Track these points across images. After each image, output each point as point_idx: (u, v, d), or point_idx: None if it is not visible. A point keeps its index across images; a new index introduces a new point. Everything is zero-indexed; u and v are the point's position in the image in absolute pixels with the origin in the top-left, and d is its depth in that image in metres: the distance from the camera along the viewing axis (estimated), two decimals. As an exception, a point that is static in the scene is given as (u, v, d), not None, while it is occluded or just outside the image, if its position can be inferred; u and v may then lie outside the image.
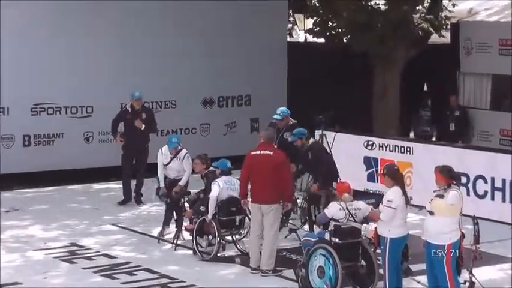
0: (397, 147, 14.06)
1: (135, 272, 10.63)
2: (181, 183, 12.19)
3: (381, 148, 14.27)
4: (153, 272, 10.62)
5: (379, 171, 13.46)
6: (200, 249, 11.17)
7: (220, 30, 17.39)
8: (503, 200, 12.84)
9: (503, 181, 12.82)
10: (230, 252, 11.34)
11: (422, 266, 9.30)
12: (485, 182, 13.03)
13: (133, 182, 14.44)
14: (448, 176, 8.88)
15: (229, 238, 11.38)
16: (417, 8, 17.80)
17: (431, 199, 8.88)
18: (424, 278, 9.45)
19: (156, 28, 16.70)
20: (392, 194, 9.15)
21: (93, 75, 16.23)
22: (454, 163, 9.65)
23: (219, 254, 11.07)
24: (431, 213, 8.85)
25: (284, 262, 10.83)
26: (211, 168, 11.56)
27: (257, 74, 17.82)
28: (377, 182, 14.04)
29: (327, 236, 9.74)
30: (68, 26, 15.92)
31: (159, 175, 12.32)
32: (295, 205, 11.88)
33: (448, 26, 18.15)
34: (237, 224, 11.24)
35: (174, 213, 12.05)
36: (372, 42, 17.29)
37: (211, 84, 17.47)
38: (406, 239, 9.34)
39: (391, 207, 9.07)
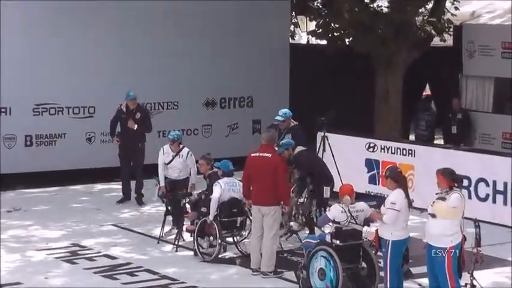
0: (398, 150, 14.05)
1: (136, 273, 10.63)
2: (193, 181, 12.22)
3: (382, 150, 14.25)
4: (154, 273, 10.62)
5: (381, 174, 13.48)
6: (201, 250, 11.17)
7: (223, 32, 17.38)
8: (505, 203, 12.83)
9: (505, 184, 12.81)
10: (231, 253, 11.34)
11: (423, 269, 9.30)
12: (487, 185, 13.02)
13: (133, 183, 14.45)
14: (450, 179, 8.88)
15: (230, 239, 11.36)
16: (420, 10, 17.79)
17: (433, 201, 8.88)
18: (425, 281, 9.45)
19: (157, 29, 16.70)
20: (395, 197, 9.15)
21: (95, 75, 16.23)
22: (455, 166, 9.64)
23: (220, 256, 11.08)
24: (433, 215, 8.85)
25: (285, 264, 10.82)
26: (214, 169, 11.55)
27: (259, 76, 17.81)
28: (378, 184, 14.04)
29: (328, 238, 9.73)
30: (70, 26, 15.93)
31: (159, 175, 12.31)
32: (295, 209, 11.85)
33: (451, 29, 18.14)
34: (238, 225, 11.24)
35: (171, 214, 12.05)
36: (374, 44, 17.28)
37: (213, 86, 17.46)
38: (407, 242, 9.34)
39: (395, 209, 9.06)
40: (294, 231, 11.86)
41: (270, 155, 10.45)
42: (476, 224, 9.29)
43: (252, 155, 10.62)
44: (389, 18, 17.23)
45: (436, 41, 18.23)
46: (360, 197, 10.84)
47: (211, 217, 11.00)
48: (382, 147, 14.25)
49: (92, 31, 16.11)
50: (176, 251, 11.55)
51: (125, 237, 12.32)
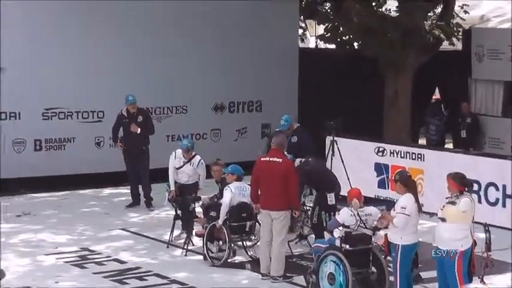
0: (408, 154, 14.02)
1: (145, 277, 10.63)
2: (200, 186, 12.28)
3: (392, 154, 14.22)
4: (164, 278, 10.62)
5: (390, 178, 13.46)
6: (210, 254, 11.17)
7: (232, 36, 17.38)
8: (515, 208, 12.81)
9: (515, 188, 12.80)
10: (240, 258, 11.32)
11: (433, 273, 9.27)
12: (497, 189, 12.98)
13: (141, 187, 14.50)
14: (460, 183, 8.86)
15: (239, 244, 11.35)
16: (429, 14, 17.78)
17: (443, 206, 8.86)
18: (434, 285, 9.42)
19: (167, 32, 16.70)
20: (405, 201, 9.13)
21: (104, 80, 16.24)
22: (465, 170, 9.63)
23: (229, 260, 11.06)
24: (443, 220, 8.83)
25: (295, 268, 10.80)
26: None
27: (268, 80, 17.81)
28: (388, 188, 14.00)
29: (337, 243, 9.72)
30: (79, 30, 15.95)
31: (169, 179, 12.31)
32: (304, 214, 11.84)
33: (460, 33, 18.12)
34: (247, 229, 11.22)
35: (180, 218, 12.06)
36: (382, 48, 17.28)
37: (222, 90, 17.47)
38: (417, 246, 9.33)
39: (405, 214, 9.04)
40: (304, 235, 11.84)
41: (281, 160, 10.43)
42: (486, 228, 9.28)
43: (261, 159, 10.61)
44: (397, 22, 17.22)
45: (446, 45, 18.22)
46: (369, 201, 10.82)
47: (220, 221, 11.00)
48: (392, 151, 14.22)
49: (101, 36, 16.13)
50: (185, 255, 11.55)
51: (134, 242, 12.32)
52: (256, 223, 11.23)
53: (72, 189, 15.59)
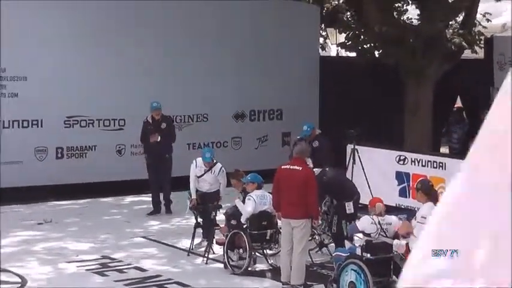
0: (429, 163, 13.89)
1: (166, 285, 10.62)
2: (221, 194, 12.26)
3: (413, 163, 14.12)
4: (184, 286, 10.60)
5: (411, 186, 13.39)
6: (231, 263, 11.15)
7: (253, 44, 17.44)
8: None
9: (537, 198, 12.65)
10: (261, 266, 11.31)
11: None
12: (519, 198, 12.85)
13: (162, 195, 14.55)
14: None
15: (260, 252, 11.34)
16: (450, 22, 17.72)
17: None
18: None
19: (188, 42, 16.77)
20: (426, 210, 9.08)
21: (125, 88, 16.34)
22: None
23: (249, 268, 11.04)
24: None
25: (315, 277, 10.77)
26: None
27: (289, 88, 17.84)
28: (409, 197, 13.91)
29: (358, 251, 9.70)
30: (101, 40, 16.05)
31: (191, 187, 12.32)
32: (324, 222, 11.83)
33: (482, 41, 18.04)
34: (267, 238, 11.20)
35: (201, 226, 12.08)
36: (403, 56, 17.23)
37: (243, 98, 17.51)
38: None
39: (425, 223, 9.00)
40: (324, 244, 11.83)
41: (301, 168, 10.41)
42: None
43: (282, 167, 10.60)
44: (418, 31, 17.17)
45: (468, 53, 18.15)
46: (390, 210, 10.80)
47: (243, 219, 11.00)
48: (413, 159, 14.13)
49: (123, 45, 16.23)
50: (206, 263, 11.54)
51: (155, 250, 12.32)
52: (278, 232, 11.20)
53: (94, 197, 15.64)
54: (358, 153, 14.11)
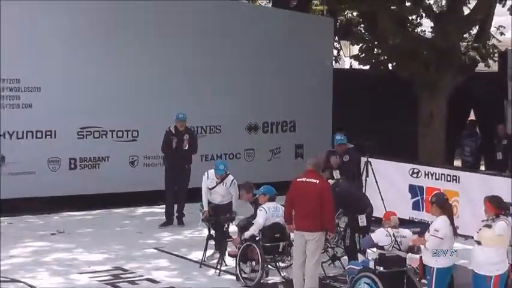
0: (443, 176, 13.84)
1: (178, 297, 10.65)
2: (233, 208, 12.17)
3: (426, 176, 14.06)
4: (196, 298, 10.63)
5: (425, 199, 13.34)
6: (243, 275, 11.11)
7: (265, 56, 17.42)
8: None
9: (553, 212, 12.59)
10: (274, 278, 11.25)
11: (469, 297, 9.18)
12: (534, 212, 12.80)
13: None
14: (498, 206, 8.78)
15: (272, 264, 11.27)
16: (464, 36, 17.69)
17: (479, 229, 8.78)
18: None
19: (202, 54, 16.77)
20: (440, 224, 9.05)
21: (139, 99, 16.34)
22: (501, 193, 9.52)
23: (262, 281, 10.99)
24: (478, 243, 8.75)
25: (328, 290, 10.76)
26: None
27: (302, 100, 17.81)
28: (422, 210, 13.86)
29: (371, 265, 9.65)
30: (115, 50, 16.08)
31: (203, 199, 12.29)
32: (338, 235, 11.81)
33: (496, 55, 18.01)
34: (280, 250, 11.15)
35: (213, 238, 12.06)
36: (417, 69, 17.20)
37: (256, 110, 17.50)
38: (452, 269, 9.23)
39: (438, 236, 8.97)
40: (337, 257, 11.78)
41: (317, 181, 10.36)
42: (523, 252, 9.16)
43: (297, 179, 10.52)
44: (432, 44, 17.15)
45: (481, 67, 18.12)
46: (404, 223, 10.74)
47: (247, 235, 10.98)
48: (426, 172, 14.06)
49: (135, 56, 16.23)
50: (218, 275, 11.50)
51: (167, 261, 12.30)
52: (290, 244, 11.14)
53: (106, 208, 15.64)
54: (371, 165, 14.07)
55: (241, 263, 11.12)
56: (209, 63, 16.91)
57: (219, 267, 11.55)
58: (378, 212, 11.51)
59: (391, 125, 18.24)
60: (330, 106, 18.16)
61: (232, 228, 11.95)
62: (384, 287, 9.39)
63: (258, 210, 11.14)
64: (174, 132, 14.55)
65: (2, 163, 14.50)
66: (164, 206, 14.73)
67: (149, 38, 16.34)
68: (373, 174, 13.97)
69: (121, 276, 11.52)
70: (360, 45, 18.61)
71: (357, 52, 18.87)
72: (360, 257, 10.87)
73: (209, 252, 12.12)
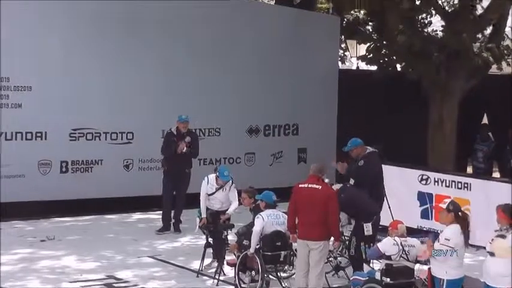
0: (453, 183, 13.82)
1: (174, 308, 10.67)
2: (230, 211, 12.18)
3: (436, 183, 14.06)
4: (193, 309, 10.65)
5: (436, 207, 13.30)
6: (243, 285, 11.12)
7: (268, 56, 17.42)
8: None
9: None
10: (274, 289, 11.28)
11: (480, 311, 9.18)
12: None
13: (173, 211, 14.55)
14: (511, 216, 8.77)
15: (273, 274, 11.25)
16: (477, 36, 17.66)
17: (492, 239, 8.78)
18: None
19: (200, 53, 16.76)
20: (451, 232, 9.05)
21: (134, 100, 16.34)
22: (514, 201, 9.53)
23: (262, 291, 11.00)
24: (491, 254, 8.74)
25: (332, 302, 10.76)
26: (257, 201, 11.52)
27: (306, 102, 17.83)
28: (431, 219, 13.85)
29: (377, 275, 9.67)
30: (108, 49, 16.05)
31: (201, 204, 12.28)
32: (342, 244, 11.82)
33: (510, 57, 17.98)
34: (281, 259, 11.13)
35: (211, 246, 12.06)
36: (427, 70, 17.19)
37: (257, 112, 17.51)
38: (462, 281, 9.22)
39: (449, 246, 8.97)
40: (341, 267, 11.78)
41: (320, 187, 10.36)
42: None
43: (299, 185, 10.53)
44: (443, 44, 17.13)
45: (494, 69, 18.10)
46: (412, 232, 10.72)
47: (251, 250, 10.97)
48: (436, 179, 14.06)
49: (132, 55, 16.23)
50: (217, 285, 11.50)
51: (163, 270, 12.30)
52: (292, 253, 11.13)
53: (99, 214, 15.65)
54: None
55: (240, 272, 11.12)
56: (208, 63, 16.88)
57: (217, 276, 11.55)
58: (385, 220, 11.49)
59: (400, 128, 18.23)
60: (335, 108, 18.16)
61: (232, 236, 11.94)
62: (391, 300, 9.40)
63: (255, 218, 11.14)
64: (175, 133, 14.53)
65: None
66: (160, 211, 14.76)
67: (146, 36, 16.32)
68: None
69: (114, 285, 11.51)
70: (368, 44, 18.55)
71: (364, 52, 18.81)
72: (366, 267, 10.85)
73: (207, 261, 12.12)
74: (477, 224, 12.73)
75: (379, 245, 9.89)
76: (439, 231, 9.53)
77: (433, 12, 17.99)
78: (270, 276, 11.21)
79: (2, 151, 15.24)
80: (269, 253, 11.04)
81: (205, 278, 11.83)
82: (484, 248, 8.91)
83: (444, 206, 9.25)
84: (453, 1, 18.02)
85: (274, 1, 21.17)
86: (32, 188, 15.35)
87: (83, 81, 15.95)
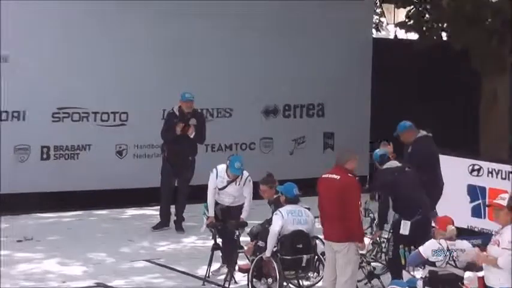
0: (511, 174, 13.72)
1: (175, 323, 10.71)
2: (244, 216, 12.14)
3: (489, 174, 14.01)
4: (198, 323, 10.67)
5: (490, 203, 13.19)
6: (257, 295, 11.15)
7: (288, 26, 17.41)
8: None
9: None
10: (295, 300, 11.30)
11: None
12: None
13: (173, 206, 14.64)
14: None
15: (294, 282, 11.22)
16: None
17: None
18: None
19: (208, 24, 16.72)
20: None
21: (129, 75, 16.33)
22: None
23: (280, 303, 11.03)
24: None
25: (365, 315, 10.81)
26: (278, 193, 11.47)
27: (333, 78, 17.80)
28: (484, 217, 13.81)
29: (419, 285, 9.67)
30: (101, 17, 16.00)
31: (208, 201, 12.28)
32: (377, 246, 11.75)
33: None
34: (303, 264, 11.10)
35: (220, 249, 12.10)
36: (478, 40, 17.14)
37: (275, 89, 17.48)
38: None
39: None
40: (376, 274, 11.72)
41: (339, 177, 10.32)
42: None
43: (323, 176, 10.54)
44: (498, 8, 17.08)
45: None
46: (461, 233, 10.67)
47: (268, 253, 10.96)
48: (490, 170, 14.00)
49: (125, 22, 16.20)
50: (226, 295, 11.58)
51: (162, 277, 12.34)
52: (318, 257, 11.12)
53: (86, 209, 15.71)
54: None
55: (254, 279, 11.12)
56: (218, 31, 16.83)
57: (226, 284, 11.59)
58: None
59: (445, 108, 18.29)
60: (368, 85, 18.18)
61: (245, 236, 11.92)
62: (436, 314, 9.39)
63: (274, 215, 11.09)
64: (178, 114, 14.46)
65: None
66: (159, 206, 14.80)
67: (146, 8, 16.17)
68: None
69: (104, 294, 11.64)
70: (407, 9, 18.59)
71: (403, 18, 18.85)
72: (405, 274, 10.77)
73: (215, 266, 12.16)
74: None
75: (420, 248, 9.87)
76: (492, 233, 9.45)
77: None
78: (290, 284, 11.20)
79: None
80: (289, 257, 11.03)
81: (212, 286, 11.88)
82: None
83: (502, 202, 9.07)
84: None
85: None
86: (6, 178, 15.35)
87: (69, 54, 15.96)
